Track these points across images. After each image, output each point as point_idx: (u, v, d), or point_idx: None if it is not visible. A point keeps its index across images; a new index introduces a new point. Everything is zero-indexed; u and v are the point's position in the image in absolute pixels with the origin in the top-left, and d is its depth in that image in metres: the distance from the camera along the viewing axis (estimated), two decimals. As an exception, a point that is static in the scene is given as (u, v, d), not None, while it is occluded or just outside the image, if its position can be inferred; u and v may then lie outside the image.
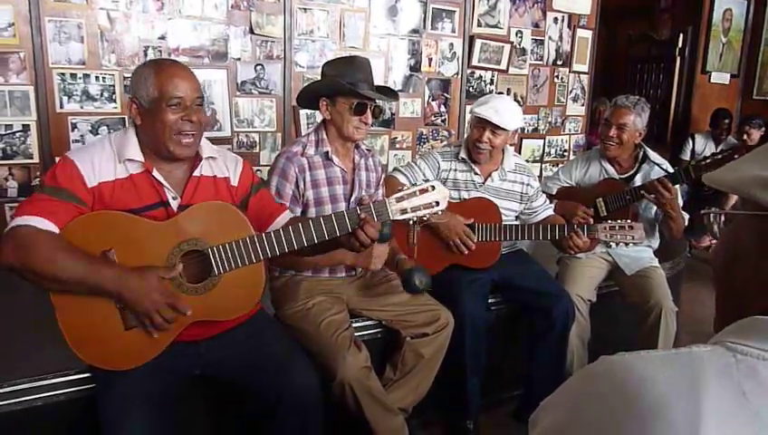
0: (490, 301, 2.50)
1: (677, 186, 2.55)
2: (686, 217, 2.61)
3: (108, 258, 1.53)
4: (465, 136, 2.58)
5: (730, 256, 0.67)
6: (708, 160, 2.53)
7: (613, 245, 2.35)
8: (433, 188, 1.62)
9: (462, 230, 2.37)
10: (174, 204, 1.64)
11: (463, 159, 2.49)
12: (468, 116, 2.80)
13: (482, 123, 2.38)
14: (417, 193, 1.61)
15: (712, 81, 5.81)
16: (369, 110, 2.06)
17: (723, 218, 0.70)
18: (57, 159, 2.86)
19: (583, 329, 2.53)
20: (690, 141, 5.24)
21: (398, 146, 3.91)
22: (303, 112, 3.47)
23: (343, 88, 2.02)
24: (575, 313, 2.44)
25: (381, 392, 2.01)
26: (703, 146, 5.15)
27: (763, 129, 4.85)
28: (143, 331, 1.57)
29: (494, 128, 2.37)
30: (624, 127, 2.61)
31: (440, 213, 1.64)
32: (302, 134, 3.17)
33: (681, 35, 5.76)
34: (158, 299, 1.52)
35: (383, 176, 2.35)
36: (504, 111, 2.36)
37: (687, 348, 0.59)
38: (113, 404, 1.54)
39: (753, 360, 0.56)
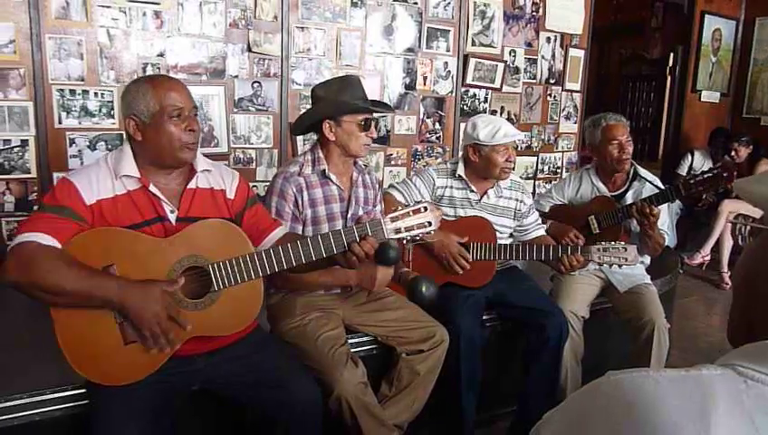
0: (485, 317, 2.52)
1: (666, 205, 2.59)
2: (666, 236, 2.65)
3: (109, 273, 1.55)
4: (461, 154, 2.61)
5: (752, 272, 0.64)
6: (698, 178, 2.58)
7: (606, 266, 2.38)
8: (426, 208, 1.66)
9: (456, 250, 2.40)
10: (172, 217, 1.66)
11: (459, 176, 2.52)
12: (462, 134, 2.82)
13: (505, 145, 2.44)
14: (411, 213, 1.66)
15: (702, 99, 5.89)
16: (373, 124, 2.12)
17: (748, 230, 0.68)
18: (54, 174, 2.91)
19: (577, 345, 2.55)
20: (689, 157, 5.31)
21: (393, 162, 3.95)
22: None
23: (351, 106, 2.06)
24: (569, 329, 2.46)
25: (378, 408, 2.02)
26: (701, 162, 5.21)
27: (751, 146, 4.94)
28: (142, 346, 1.58)
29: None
30: (629, 140, 2.70)
31: (432, 233, 1.69)
32: (299, 151, 3.22)
33: (672, 54, 5.86)
34: (159, 311, 1.53)
35: (380, 192, 2.38)
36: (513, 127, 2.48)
37: (697, 370, 0.58)
38: (109, 421, 1.54)
39: (765, 387, 0.54)
